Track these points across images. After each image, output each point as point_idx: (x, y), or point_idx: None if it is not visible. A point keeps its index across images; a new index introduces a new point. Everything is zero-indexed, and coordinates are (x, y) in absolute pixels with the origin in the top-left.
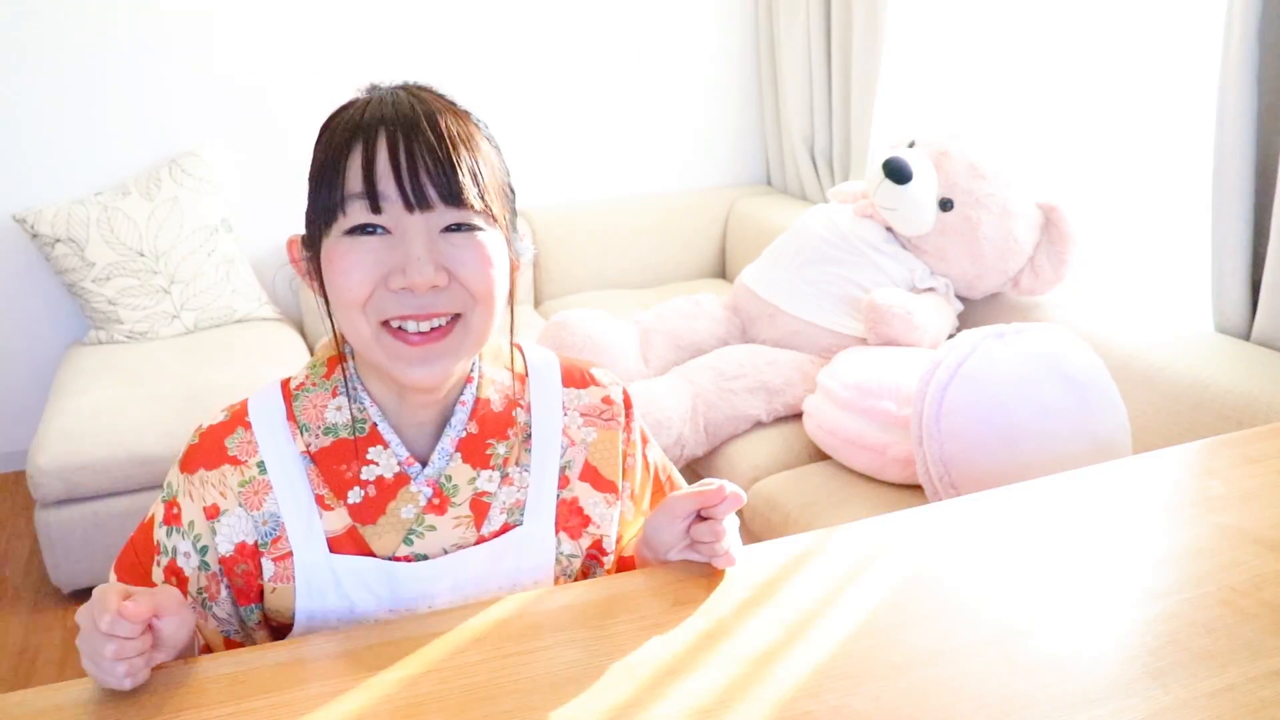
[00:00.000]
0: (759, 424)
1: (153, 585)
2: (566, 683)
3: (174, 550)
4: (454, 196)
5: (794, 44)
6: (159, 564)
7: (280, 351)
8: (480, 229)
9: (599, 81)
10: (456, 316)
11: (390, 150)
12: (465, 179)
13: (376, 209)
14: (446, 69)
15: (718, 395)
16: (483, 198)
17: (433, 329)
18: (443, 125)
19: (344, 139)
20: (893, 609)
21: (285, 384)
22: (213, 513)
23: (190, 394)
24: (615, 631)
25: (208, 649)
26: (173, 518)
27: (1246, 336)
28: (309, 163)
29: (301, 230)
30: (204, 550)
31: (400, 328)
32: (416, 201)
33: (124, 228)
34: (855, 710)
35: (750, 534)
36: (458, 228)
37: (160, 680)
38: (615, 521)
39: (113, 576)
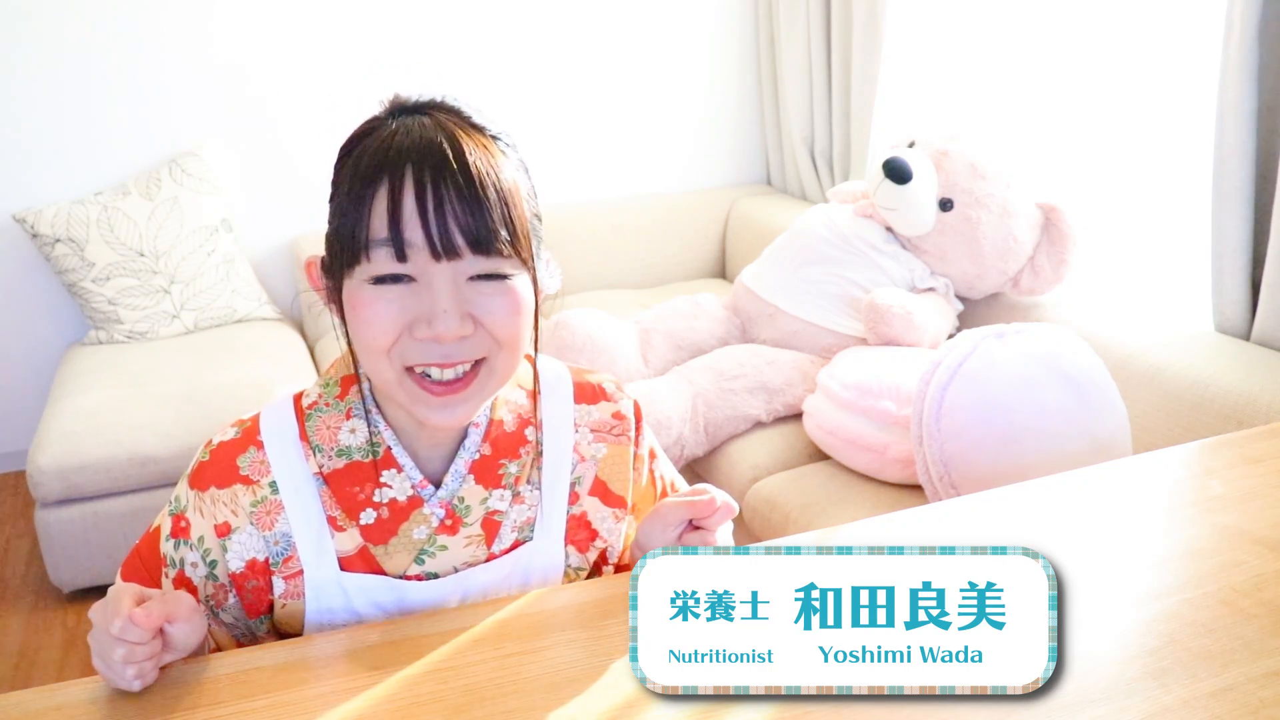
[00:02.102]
0: (759, 424)
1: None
2: (566, 683)
3: (181, 561)
4: (483, 245)
5: (794, 44)
6: (167, 575)
7: (280, 351)
8: (509, 275)
9: (599, 81)
10: (480, 360)
11: (417, 192)
12: (495, 224)
13: (402, 257)
14: (447, 69)
15: (718, 395)
16: (512, 243)
17: (456, 379)
18: (471, 163)
19: (369, 173)
20: None
21: (297, 400)
22: (224, 530)
23: (190, 394)
24: (615, 631)
25: (217, 649)
26: (180, 530)
27: (1246, 336)
28: (327, 181)
29: (308, 235)
30: (213, 564)
31: (425, 374)
32: (444, 250)
33: (124, 228)
34: (856, 710)
35: (750, 534)
36: (486, 276)
37: (163, 679)
38: (622, 536)
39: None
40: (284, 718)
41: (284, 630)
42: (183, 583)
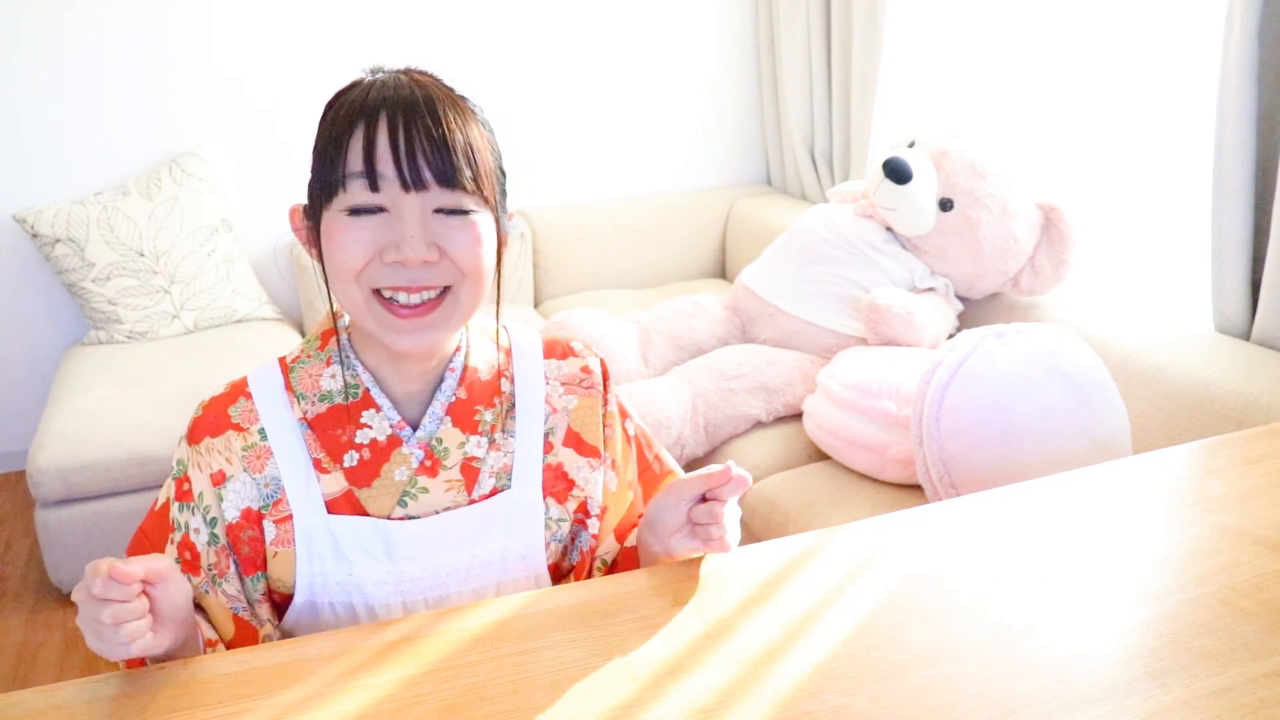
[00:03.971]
0: (759, 424)
1: None
2: (566, 683)
3: (186, 525)
4: (448, 179)
5: (794, 44)
6: (172, 541)
7: (280, 352)
8: (472, 210)
9: (599, 81)
10: (446, 289)
11: (390, 133)
12: (460, 162)
13: (375, 188)
14: (448, 70)
15: (718, 395)
16: (475, 180)
17: (422, 302)
18: (440, 110)
19: (347, 119)
20: (893, 609)
21: (282, 360)
22: (219, 479)
23: (190, 394)
24: (615, 631)
25: (211, 644)
26: (184, 494)
27: (1246, 336)
28: (312, 141)
29: (303, 200)
30: (213, 522)
31: (391, 299)
32: (413, 182)
33: (124, 228)
34: (855, 710)
35: (750, 534)
36: (450, 210)
37: (161, 680)
38: (599, 485)
39: None
40: (284, 718)
41: (278, 593)
42: (187, 547)
